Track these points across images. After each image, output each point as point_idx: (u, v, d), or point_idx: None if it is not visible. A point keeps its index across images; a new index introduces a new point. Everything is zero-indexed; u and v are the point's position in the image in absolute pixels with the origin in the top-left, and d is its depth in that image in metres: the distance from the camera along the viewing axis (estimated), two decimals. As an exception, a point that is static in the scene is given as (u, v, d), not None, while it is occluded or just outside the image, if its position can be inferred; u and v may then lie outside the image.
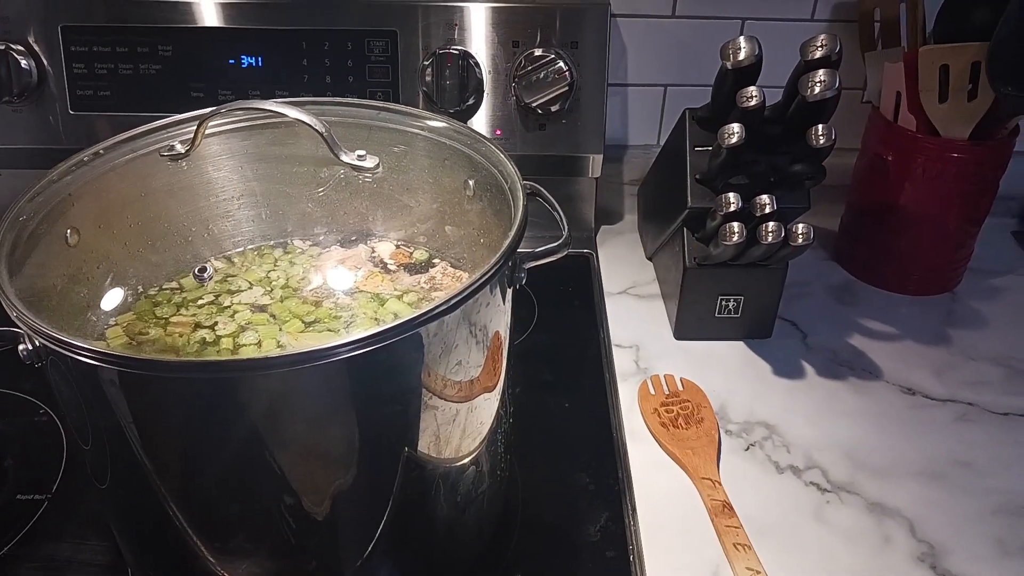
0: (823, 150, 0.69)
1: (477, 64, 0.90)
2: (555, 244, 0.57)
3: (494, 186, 0.63)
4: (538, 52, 0.89)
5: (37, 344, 0.46)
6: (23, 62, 0.90)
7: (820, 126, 0.68)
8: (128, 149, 0.61)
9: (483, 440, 0.58)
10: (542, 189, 0.57)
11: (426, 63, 0.90)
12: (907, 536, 0.67)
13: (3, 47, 0.88)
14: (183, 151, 0.59)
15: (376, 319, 0.65)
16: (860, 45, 0.93)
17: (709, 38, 0.99)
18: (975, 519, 0.68)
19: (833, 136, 0.68)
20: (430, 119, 0.67)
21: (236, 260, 0.71)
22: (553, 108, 0.91)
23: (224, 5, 0.90)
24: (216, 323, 0.63)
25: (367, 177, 0.62)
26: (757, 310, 0.85)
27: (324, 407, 0.49)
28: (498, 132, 0.93)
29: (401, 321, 0.46)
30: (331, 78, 0.92)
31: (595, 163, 0.95)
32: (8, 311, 0.45)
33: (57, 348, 0.43)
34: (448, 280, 0.69)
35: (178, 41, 0.91)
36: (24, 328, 0.44)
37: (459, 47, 0.89)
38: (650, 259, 1.00)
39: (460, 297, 0.48)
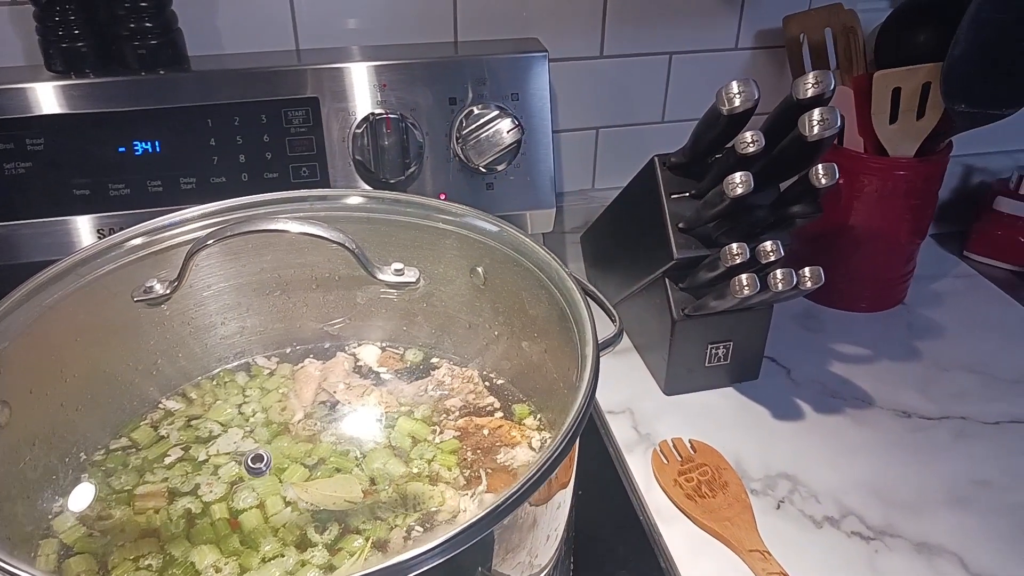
0: (823, 188, 0.66)
1: (415, 125, 0.81)
2: (609, 336, 0.51)
3: (508, 270, 0.56)
4: (479, 109, 0.82)
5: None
6: None
7: (821, 166, 0.65)
8: (59, 287, 0.48)
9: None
10: (589, 285, 0.50)
11: (358, 130, 0.80)
12: (962, 573, 0.65)
13: None
14: (165, 292, 0.47)
15: (392, 447, 0.55)
16: (791, 71, 0.93)
17: (638, 76, 0.96)
18: (1013, 540, 0.68)
19: (835, 174, 0.65)
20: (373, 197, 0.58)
21: (194, 395, 0.59)
22: (499, 167, 0.84)
23: (105, 84, 0.76)
24: (197, 486, 0.51)
25: (393, 294, 0.52)
26: (745, 354, 0.82)
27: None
28: (442, 196, 0.85)
29: (477, 519, 0.36)
30: (245, 156, 0.80)
31: (547, 218, 0.89)
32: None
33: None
34: (459, 383, 0.60)
35: (51, 131, 0.75)
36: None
37: (393, 109, 0.80)
38: (611, 310, 0.95)
39: (535, 478, 0.38)
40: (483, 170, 0.84)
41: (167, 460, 0.53)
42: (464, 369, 0.61)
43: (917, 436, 0.79)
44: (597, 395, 0.81)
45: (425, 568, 0.34)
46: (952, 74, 0.76)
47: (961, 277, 1.04)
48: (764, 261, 0.68)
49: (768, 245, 0.68)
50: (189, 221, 0.55)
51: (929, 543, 0.67)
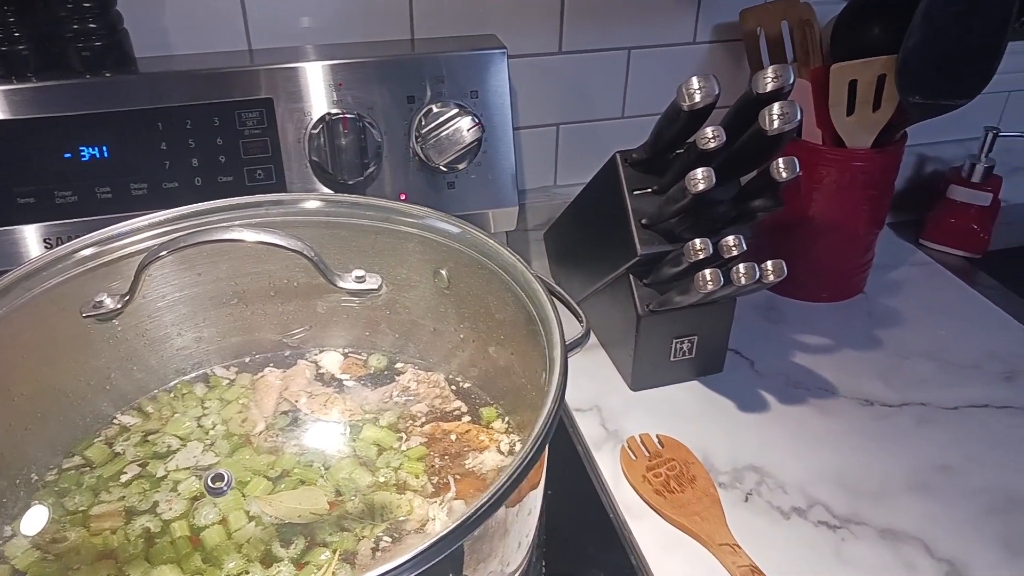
0: (784, 182, 0.66)
1: (373, 124, 0.79)
2: (576, 337, 0.50)
3: (472, 272, 0.55)
4: (438, 107, 0.81)
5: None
6: None
7: (782, 160, 0.66)
8: (4, 303, 0.46)
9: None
10: (555, 286, 0.50)
11: (314, 131, 0.78)
12: (926, 558, 0.66)
13: None
14: (116, 306, 0.45)
15: (357, 456, 0.54)
16: (749, 64, 0.93)
17: (597, 72, 0.96)
18: (975, 524, 0.69)
19: (796, 168, 0.65)
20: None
21: (150, 409, 0.57)
22: (460, 166, 0.83)
23: (49, 88, 0.73)
24: (156, 504, 0.50)
25: (355, 302, 0.51)
26: (710, 347, 0.82)
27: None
28: (402, 196, 0.84)
29: (447, 532, 0.35)
30: (198, 160, 0.77)
31: (510, 216, 0.88)
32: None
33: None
34: (424, 387, 0.59)
35: (-8, 138, 0.73)
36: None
37: (350, 109, 0.79)
38: (576, 307, 0.94)
39: (507, 486, 0.37)
40: (444, 169, 0.83)
41: (123, 478, 0.51)
42: (430, 373, 0.60)
43: (880, 424, 0.80)
44: (564, 394, 0.81)
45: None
46: (906, 66, 0.76)
47: (918, 265, 1.06)
48: (727, 256, 0.68)
49: (730, 240, 0.68)
50: (140, 230, 0.53)
51: (894, 529, 0.68)
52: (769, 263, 0.68)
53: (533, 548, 0.48)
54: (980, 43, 0.77)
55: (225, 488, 0.44)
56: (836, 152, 0.87)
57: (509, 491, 0.37)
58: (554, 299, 0.51)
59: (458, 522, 0.34)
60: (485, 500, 0.35)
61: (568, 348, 0.49)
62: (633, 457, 0.74)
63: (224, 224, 0.51)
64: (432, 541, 0.34)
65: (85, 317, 0.46)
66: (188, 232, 0.44)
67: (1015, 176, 1.15)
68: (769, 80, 0.63)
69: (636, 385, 0.83)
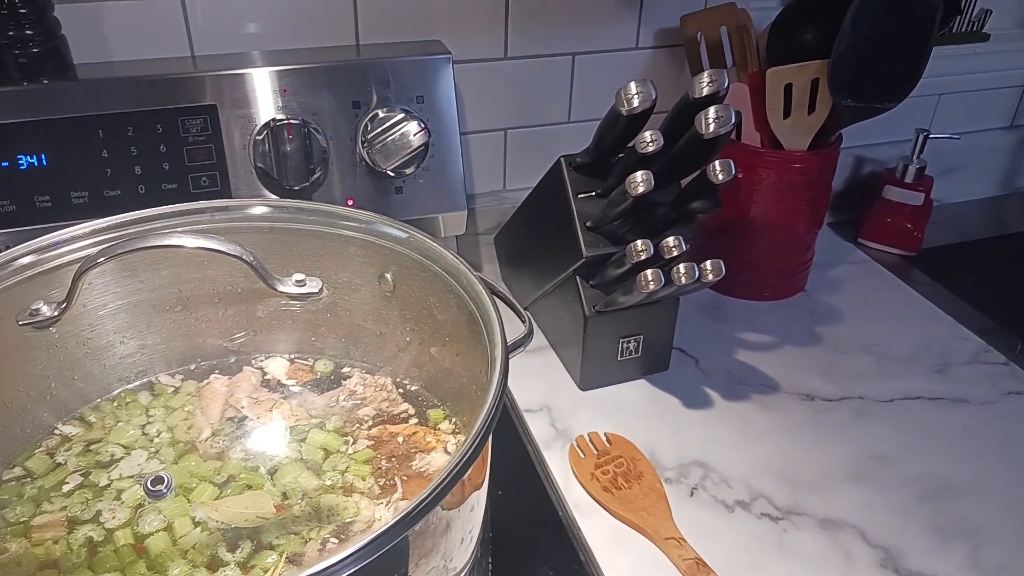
0: (721, 184, 0.68)
1: (318, 130, 0.80)
2: (519, 337, 0.51)
3: (415, 275, 0.56)
4: (384, 112, 0.81)
5: None
6: None
7: (718, 162, 0.67)
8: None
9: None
10: (498, 287, 0.51)
11: (259, 137, 0.78)
12: (863, 546, 0.68)
13: None
14: (53, 314, 0.45)
15: (303, 460, 0.54)
16: (689, 69, 0.96)
17: (543, 77, 0.97)
18: (908, 511, 0.71)
19: (732, 170, 0.67)
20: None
21: (93, 419, 0.57)
22: (407, 171, 0.83)
23: (-15, 95, 0.72)
24: (99, 513, 0.49)
25: (296, 305, 0.51)
26: (655, 346, 0.84)
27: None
28: (350, 202, 0.84)
29: (388, 527, 0.36)
30: (141, 168, 0.77)
31: (459, 220, 0.89)
32: None
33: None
34: (371, 391, 0.59)
35: (-75, 147, 0.71)
36: None
37: (295, 114, 0.79)
38: (526, 309, 0.96)
39: (447, 481, 0.38)
40: (391, 174, 0.83)
41: (65, 488, 0.51)
42: (377, 377, 0.60)
43: (820, 418, 0.82)
44: (515, 394, 0.83)
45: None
46: (837, 70, 0.79)
47: (856, 263, 1.10)
48: (667, 256, 0.70)
49: (671, 241, 0.69)
50: (80, 238, 0.53)
51: (832, 519, 0.71)
52: (708, 263, 0.70)
53: (478, 545, 0.49)
54: (907, 48, 0.81)
55: (165, 491, 0.44)
56: (774, 154, 0.90)
57: (450, 486, 0.37)
58: (496, 300, 0.52)
59: (398, 518, 0.35)
60: (426, 494, 0.36)
61: (511, 348, 0.50)
62: (582, 455, 0.76)
63: (164, 230, 0.51)
64: (373, 536, 0.34)
65: (21, 325, 0.45)
66: (128, 238, 0.44)
67: (946, 176, 1.20)
68: (705, 84, 0.65)
69: (585, 385, 0.84)
